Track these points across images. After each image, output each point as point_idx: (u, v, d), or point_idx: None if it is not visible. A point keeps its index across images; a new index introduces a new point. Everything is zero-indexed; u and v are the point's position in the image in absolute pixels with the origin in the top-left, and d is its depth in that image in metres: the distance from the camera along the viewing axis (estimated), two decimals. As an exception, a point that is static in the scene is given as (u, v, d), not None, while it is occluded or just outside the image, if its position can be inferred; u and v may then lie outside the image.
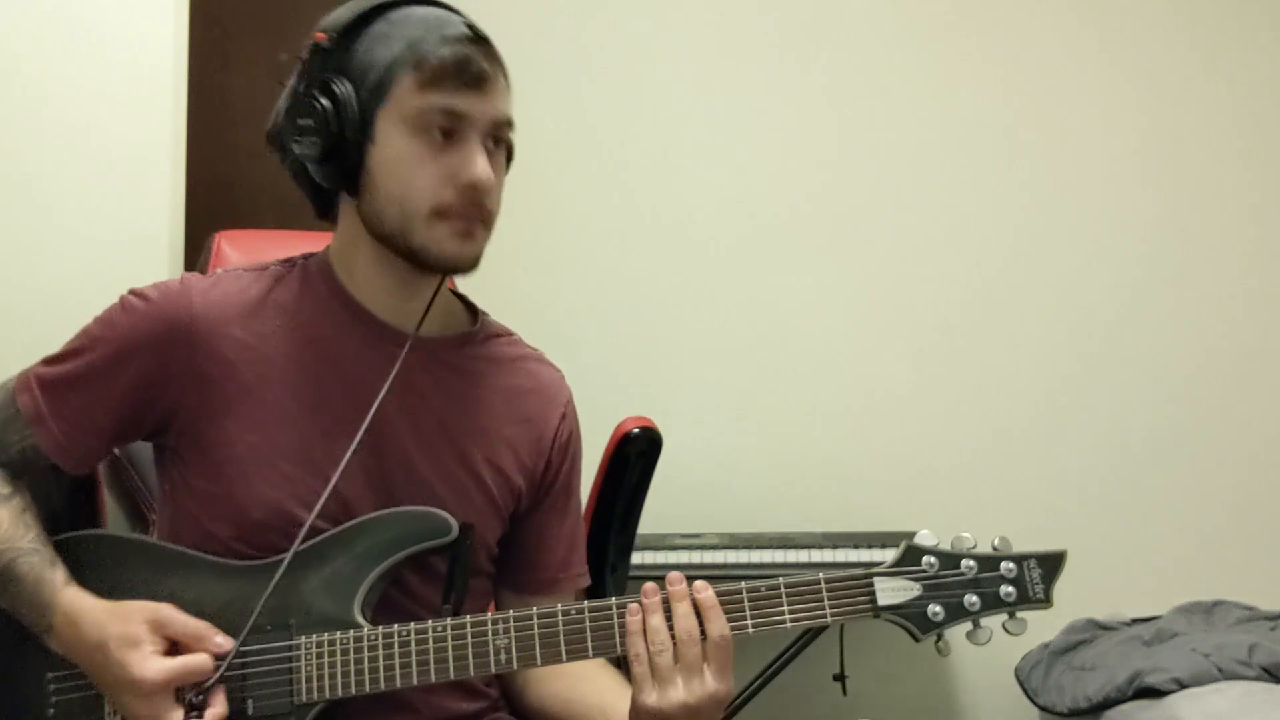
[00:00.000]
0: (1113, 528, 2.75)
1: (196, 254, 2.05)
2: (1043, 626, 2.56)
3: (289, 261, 1.37)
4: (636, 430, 1.76)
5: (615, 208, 2.83)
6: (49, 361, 1.29)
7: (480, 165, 1.24)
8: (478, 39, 1.27)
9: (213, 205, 2.20)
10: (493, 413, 1.36)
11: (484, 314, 1.43)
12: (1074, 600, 2.54)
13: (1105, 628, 2.56)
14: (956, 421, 2.79)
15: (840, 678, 2.59)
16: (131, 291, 1.30)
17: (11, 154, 1.92)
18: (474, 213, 1.25)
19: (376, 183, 1.26)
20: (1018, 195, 2.82)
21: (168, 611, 1.18)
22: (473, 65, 1.24)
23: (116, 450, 1.50)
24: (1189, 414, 2.79)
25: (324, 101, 1.24)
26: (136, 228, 1.98)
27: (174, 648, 1.17)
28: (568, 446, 1.42)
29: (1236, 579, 2.65)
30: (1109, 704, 2.28)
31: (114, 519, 1.63)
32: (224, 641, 1.18)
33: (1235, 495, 2.77)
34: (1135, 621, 2.57)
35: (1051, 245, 2.82)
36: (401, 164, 1.24)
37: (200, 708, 1.15)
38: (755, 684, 2.56)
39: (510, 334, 1.45)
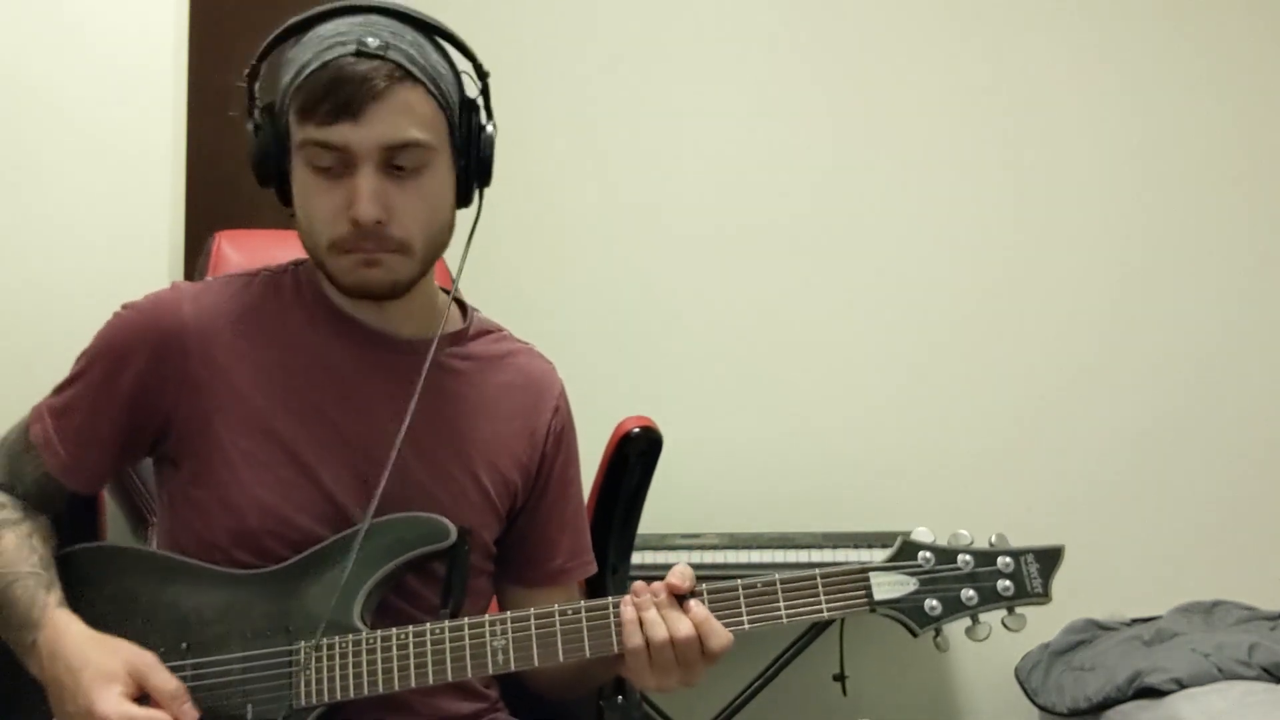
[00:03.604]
0: (1113, 528, 2.75)
1: (196, 254, 2.05)
2: (1043, 627, 2.56)
3: (279, 268, 1.37)
4: (636, 430, 1.76)
5: (615, 207, 2.83)
6: (57, 390, 1.31)
7: (363, 204, 1.19)
8: (364, 54, 1.17)
9: (213, 205, 2.20)
10: (485, 411, 1.36)
11: (474, 310, 1.43)
12: (1074, 600, 2.56)
13: (1105, 628, 2.56)
14: (956, 422, 2.79)
15: (840, 678, 2.59)
16: (124, 305, 1.31)
17: (11, 155, 1.92)
18: (371, 245, 1.22)
19: (297, 214, 1.27)
20: (1014, 194, 2.82)
21: (150, 662, 1.17)
22: (341, 92, 1.16)
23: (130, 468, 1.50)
24: (1188, 414, 2.78)
25: (250, 131, 1.25)
26: (137, 228, 1.98)
27: (144, 699, 1.15)
28: (561, 439, 1.42)
29: (1236, 579, 2.65)
30: (1109, 704, 2.28)
31: (114, 521, 1.63)
32: (191, 710, 1.15)
33: (1235, 495, 2.77)
34: (1135, 621, 2.57)
35: (1049, 243, 2.82)
36: (303, 196, 1.24)
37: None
38: (755, 684, 2.57)
39: (500, 329, 1.44)
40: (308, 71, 1.19)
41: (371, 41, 1.18)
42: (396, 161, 1.21)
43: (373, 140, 1.19)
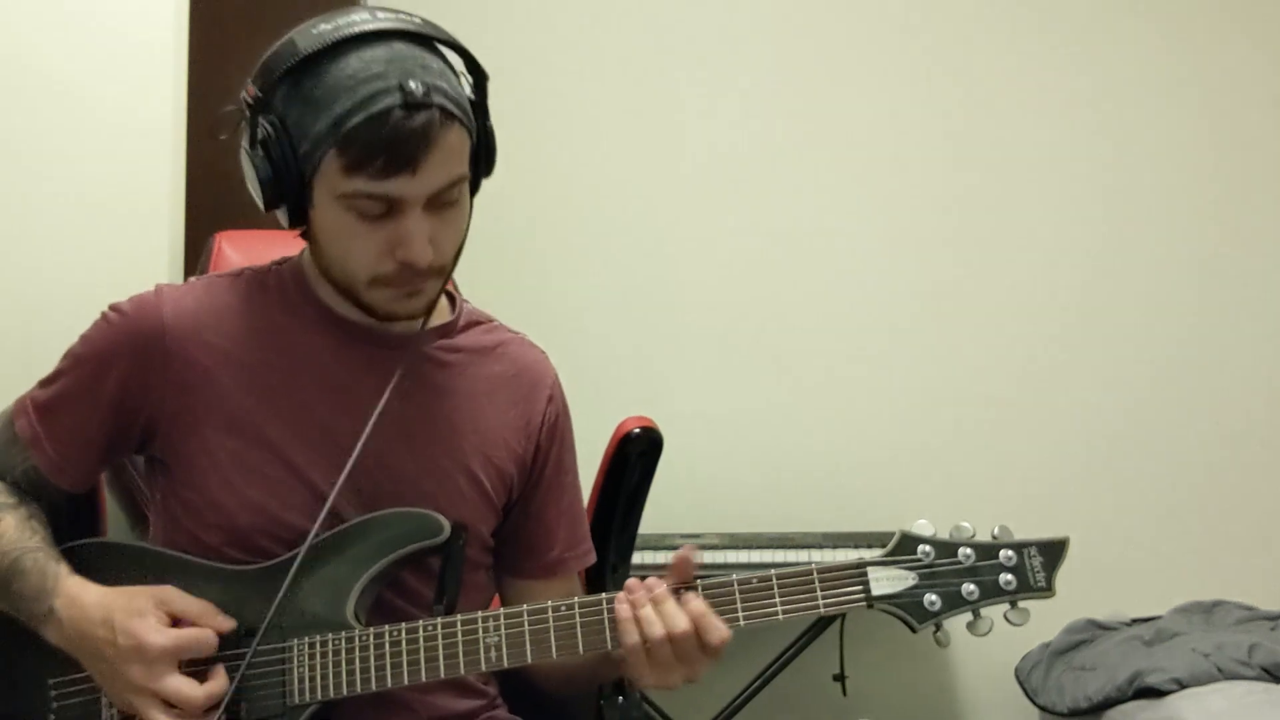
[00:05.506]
0: (1113, 527, 2.74)
1: (196, 254, 2.05)
2: (1043, 626, 2.56)
3: (263, 267, 1.37)
4: (637, 430, 1.76)
5: (616, 206, 2.83)
6: (42, 384, 1.31)
7: (417, 247, 1.19)
8: (411, 106, 1.14)
9: (213, 205, 2.20)
10: (478, 403, 1.36)
11: (463, 302, 1.42)
12: (1074, 600, 2.55)
13: (1105, 628, 2.56)
14: (957, 422, 2.79)
15: (840, 678, 2.59)
16: (110, 307, 1.31)
17: (11, 155, 1.92)
18: (416, 279, 1.23)
19: (320, 243, 1.26)
20: (1010, 188, 2.82)
21: (170, 590, 1.20)
22: (400, 150, 1.15)
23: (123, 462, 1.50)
24: (1188, 414, 2.78)
25: (259, 160, 1.20)
26: (136, 228, 1.98)
27: (176, 625, 1.18)
28: (555, 428, 1.41)
29: (1236, 579, 2.66)
30: (1109, 704, 2.28)
31: (114, 517, 1.63)
32: (225, 620, 1.19)
33: (1235, 495, 2.77)
34: (1135, 621, 2.57)
35: (1046, 242, 2.82)
36: (338, 235, 1.22)
37: (200, 678, 1.16)
38: (755, 684, 2.57)
39: (490, 320, 1.43)
40: (353, 124, 1.14)
41: (415, 89, 1.14)
42: (441, 198, 1.21)
43: (427, 189, 1.18)
